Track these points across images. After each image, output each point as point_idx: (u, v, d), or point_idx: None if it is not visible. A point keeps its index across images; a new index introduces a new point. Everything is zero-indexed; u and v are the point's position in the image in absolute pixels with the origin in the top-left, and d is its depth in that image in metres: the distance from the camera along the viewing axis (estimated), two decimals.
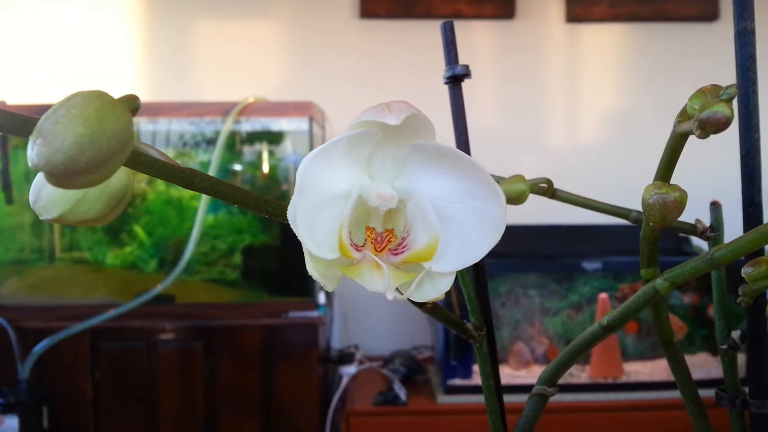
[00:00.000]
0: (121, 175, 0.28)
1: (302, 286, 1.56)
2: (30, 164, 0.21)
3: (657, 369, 1.55)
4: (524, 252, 1.60)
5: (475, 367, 1.53)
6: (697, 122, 0.30)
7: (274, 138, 1.56)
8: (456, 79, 0.44)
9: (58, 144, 0.21)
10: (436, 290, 0.29)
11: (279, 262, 1.60)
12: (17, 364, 1.42)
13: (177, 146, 1.55)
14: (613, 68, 2.02)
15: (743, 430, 0.36)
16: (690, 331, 1.58)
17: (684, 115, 0.31)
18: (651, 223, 0.32)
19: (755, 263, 0.29)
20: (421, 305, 0.33)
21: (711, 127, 0.30)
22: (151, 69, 1.97)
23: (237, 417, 1.48)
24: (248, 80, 1.96)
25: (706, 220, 0.44)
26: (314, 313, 1.51)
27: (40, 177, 0.27)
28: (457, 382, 1.51)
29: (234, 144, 1.56)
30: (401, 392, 1.50)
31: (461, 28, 2.21)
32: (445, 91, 1.98)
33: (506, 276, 1.55)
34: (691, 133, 0.31)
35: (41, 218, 0.28)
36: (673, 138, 0.32)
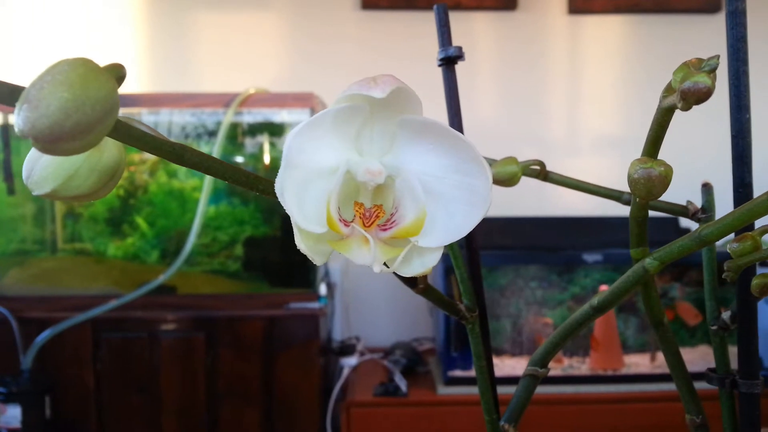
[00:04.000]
0: (113, 151, 0.28)
1: (303, 277, 1.56)
2: (16, 130, 0.22)
3: (657, 361, 1.56)
4: (525, 244, 1.60)
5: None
6: (679, 93, 0.30)
7: (275, 129, 1.56)
8: (449, 61, 0.45)
9: (43, 109, 0.21)
10: (423, 265, 0.29)
11: (280, 254, 1.60)
12: (20, 354, 1.42)
13: (179, 137, 1.55)
14: (614, 60, 2.02)
15: (732, 409, 0.37)
16: (692, 326, 1.59)
17: (669, 90, 0.32)
18: (637, 199, 0.32)
19: (741, 239, 0.29)
20: (413, 285, 0.34)
21: (692, 97, 0.30)
22: (152, 60, 1.97)
23: (238, 407, 1.49)
24: (249, 71, 1.95)
25: (699, 203, 0.44)
26: (315, 305, 1.52)
27: (33, 152, 0.27)
28: (458, 373, 1.51)
29: (236, 135, 1.56)
30: (402, 383, 1.50)
31: (463, 19, 2.22)
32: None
33: (507, 268, 1.55)
34: (676, 107, 0.31)
35: (34, 193, 0.28)
36: (659, 113, 0.32)
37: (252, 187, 0.30)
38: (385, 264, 0.29)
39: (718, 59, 0.31)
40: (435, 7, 0.43)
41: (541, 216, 1.72)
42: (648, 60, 2.02)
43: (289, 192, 0.27)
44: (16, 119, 0.21)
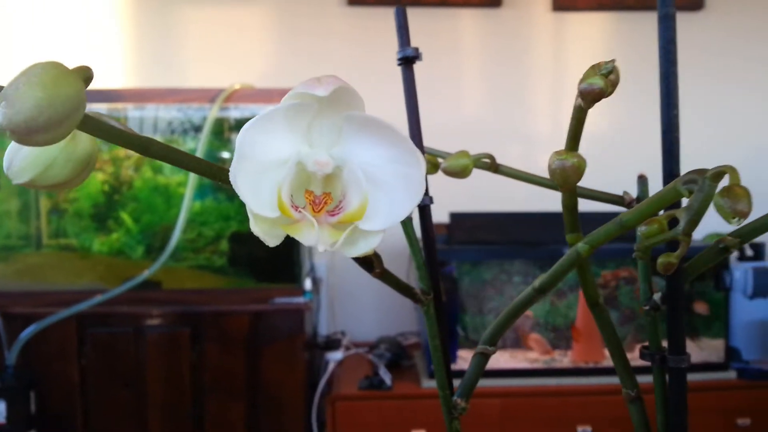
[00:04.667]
0: (86, 143, 0.31)
1: (289, 272, 1.57)
2: None
3: (637, 354, 1.58)
4: (509, 239, 1.61)
5: (460, 353, 1.55)
6: (578, 93, 0.34)
7: None
8: (407, 61, 0.47)
9: (19, 106, 0.24)
10: (368, 246, 0.32)
11: (265, 249, 1.60)
12: (4, 349, 1.42)
13: (165, 133, 1.55)
14: (598, 57, 2.03)
15: (663, 382, 0.41)
16: None
17: None
18: (559, 188, 0.35)
19: (649, 222, 0.32)
20: (370, 270, 0.37)
21: (588, 96, 0.34)
22: (138, 55, 1.96)
23: (224, 402, 1.50)
24: (235, 67, 1.96)
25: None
26: (300, 299, 1.53)
27: (13, 144, 0.30)
28: None
29: (222, 131, 1.56)
30: (386, 377, 1.51)
31: (449, 15, 2.22)
32: (432, 78, 2.00)
33: (491, 263, 1.57)
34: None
35: (14, 182, 0.30)
36: (574, 111, 0.35)
37: (215, 177, 0.33)
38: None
39: (613, 63, 0.34)
40: (395, 9, 0.46)
41: (525, 211, 1.74)
42: (631, 57, 2.04)
43: (242, 181, 0.31)
44: None
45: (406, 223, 0.45)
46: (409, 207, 0.32)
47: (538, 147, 2.02)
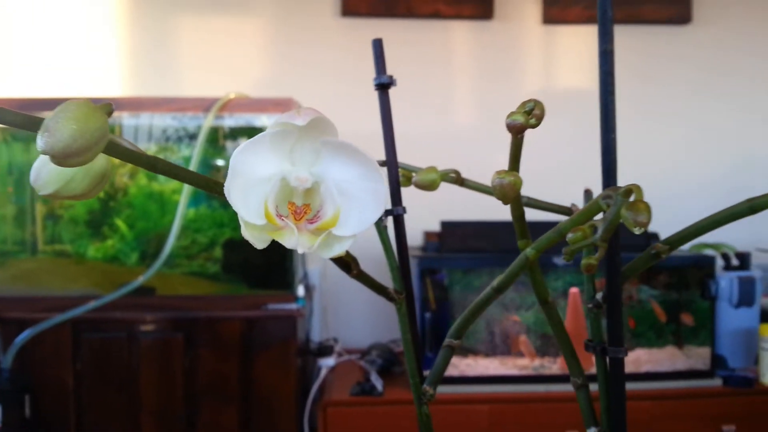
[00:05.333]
0: (101, 160, 0.37)
1: (282, 279, 1.59)
2: (39, 149, 0.31)
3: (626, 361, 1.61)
4: (499, 247, 1.64)
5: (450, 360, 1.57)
6: (506, 126, 0.41)
7: (255, 134, 1.58)
8: (383, 87, 0.53)
9: (58, 136, 0.31)
10: (341, 248, 0.39)
11: (259, 256, 1.63)
12: (0, 353, 1.44)
13: (159, 141, 1.57)
14: (587, 69, 2.07)
15: (605, 371, 0.46)
16: (659, 327, 1.64)
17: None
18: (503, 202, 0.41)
19: (575, 230, 0.37)
20: (348, 271, 0.44)
21: (513, 130, 0.42)
22: (133, 64, 1.99)
23: (216, 407, 1.51)
24: (230, 76, 1.98)
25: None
26: (293, 306, 1.55)
27: (38, 161, 0.36)
28: None
29: (216, 139, 1.58)
30: (378, 383, 1.53)
31: (440, 27, 2.25)
32: (423, 88, 2.04)
33: (481, 270, 1.59)
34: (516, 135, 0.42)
35: (40, 193, 0.36)
36: (512, 138, 0.43)
37: (212, 190, 0.39)
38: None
39: (534, 102, 0.41)
40: (372, 41, 0.52)
41: None
42: (619, 70, 2.07)
43: (234, 194, 0.36)
44: (38, 142, 0.31)
45: (381, 231, 0.51)
46: (375, 216, 0.38)
47: (528, 157, 2.04)
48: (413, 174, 0.51)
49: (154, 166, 0.37)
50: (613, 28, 0.44)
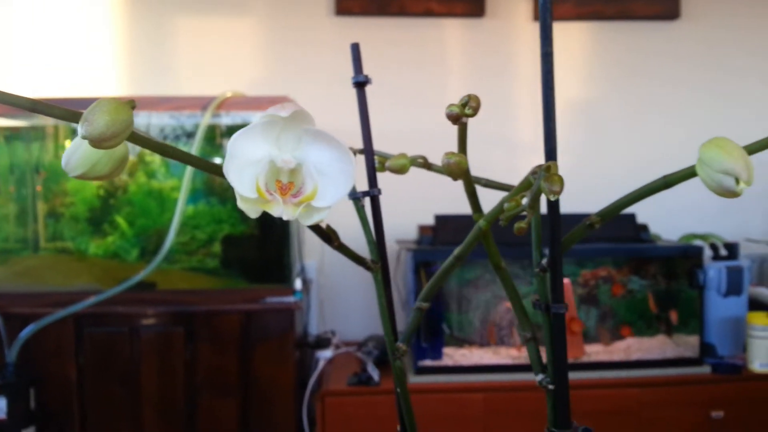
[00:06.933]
0: (122, 148, 0.44)
1: (279, 273, 1.62)
2: (80, 136, 0.39)
3: (615, 350, 1.65)
4: (493, 239, 1.67)
5: (445, 350, 1.61)
6: (446, 116, 0.48)
7: None
8: (360, 85, 0.60)
9: (95, 125, 0.38)
10: (319, 216, 0.47)
11: (257, 251, 1.66)
12: (5, 348, 1.47)
13: (157, 139, 1.60)
14: (578, 65, 2.11)
15: (550, 325, 0.53)
16: (650, 317, 1.67)
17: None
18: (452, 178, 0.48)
19: (512, 200, 0.45)
20: (330, 242, 0.52)
21: (451, 119, 0.48)
22: (131, 63, 2.02)
23: (216, 399, 1.55)
24: (226, 75, 2.01)
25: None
26: (291, 299, 1.58)
27: (69, 149, 0.43)
28: (428, 363, 1.59)
29: (214, 137, 1.61)
30: (374, 373, 1.57)
31: (432, 25, 2.28)
32: (418, 85, 2.08)
33: (475, 262, 1.63)
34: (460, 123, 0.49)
35: (70, 175, 0.44)
36: (459, 126, 0.49)
37: (212, 172, 0.47)
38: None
39: (469, 97, 0.47)
40: (351, 45, 0.60)
41: None
42: (610, 64, 2.11)
43: (231, 172, 0.44)
44: (79, 129, 0.39)
45: (360, 209, 0.59)
46: (346, 190, 0.46)
47: (520, 153, 2.08)
48: (387, 160, 0.57)
49: (165, 150, 0.45)
50: (552, 33, 0.50)
